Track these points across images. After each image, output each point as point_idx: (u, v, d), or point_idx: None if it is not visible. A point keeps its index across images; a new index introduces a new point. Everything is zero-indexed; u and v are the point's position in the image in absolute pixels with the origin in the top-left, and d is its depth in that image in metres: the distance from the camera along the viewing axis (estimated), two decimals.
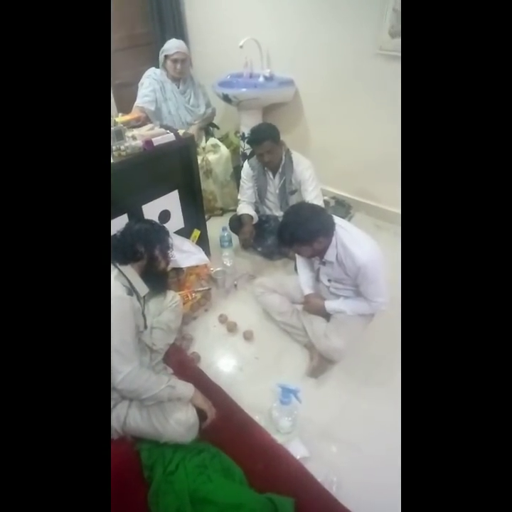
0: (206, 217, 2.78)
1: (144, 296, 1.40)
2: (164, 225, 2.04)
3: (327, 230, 1.53)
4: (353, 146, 2.60)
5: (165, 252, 1.42)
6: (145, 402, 1.28)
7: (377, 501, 1.21)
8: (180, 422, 1.27)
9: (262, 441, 1.38)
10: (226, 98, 2.61)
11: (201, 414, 1.35)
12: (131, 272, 1.33)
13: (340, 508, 1.17)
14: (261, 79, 2.67)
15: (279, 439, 1.42)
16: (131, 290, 1.30)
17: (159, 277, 1.46)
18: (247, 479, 1.24)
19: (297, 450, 1.37)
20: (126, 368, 1.19)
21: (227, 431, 1.40)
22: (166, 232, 1.45)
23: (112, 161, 1.65)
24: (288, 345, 1.85)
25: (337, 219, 1.59)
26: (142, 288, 1.36)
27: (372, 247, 1.52)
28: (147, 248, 1.35)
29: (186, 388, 1.35)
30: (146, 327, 1.43)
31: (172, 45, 2.41)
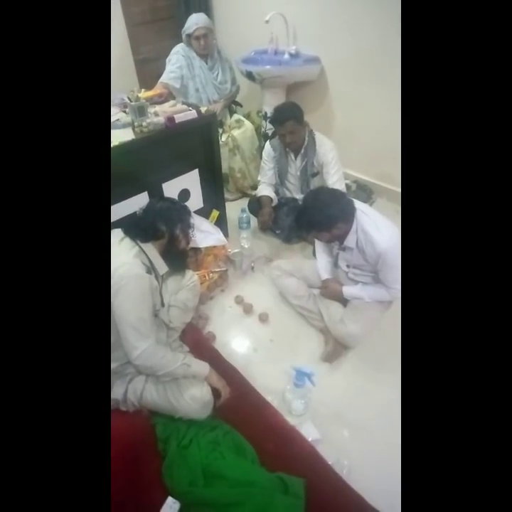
0: (235, 197, 2.77)
1: (163, 275, 1.41)
2: (184, 204, 2.05)
3: (347, 216, 1.50)
4: (378, 128, 2.52)
5: (186, 231, 1.42)
6: (161, 378, 1.30)
7: (387, 487, 1.22)
8: (195, 399, 1.30)
9: (274, 421, 1.39)
10: (250, 75, 2.55)
11: (215, 392, 1.37)
12: (151, 249, 1.33)
13: (350, 491, 1.18)
14: (286, 56, 2.59)
15: (292, 420, 1.43)
16: (150, 269, 1.31)
17: (179, 256, 1.47)
18: (258, 458, 1.26)
19: (309, 432, 1.38)
20: (142, 344, 1.20)
21: (241, 410, 1.42)
22: (188, 212, 1.44)
23: (133, 137, 1.64)
24: (303, 329, 1.85)
25: (359, 204, 1.56)
26: (162, 266, 1.37)
27: (393, 234, 1.48)
28: (168, 227, 1.35)
29: (201, 367, 1.36)
30: (163, 305, 1.44)
31: (191, 23, 2.34)
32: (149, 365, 1.24)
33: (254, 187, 2.82)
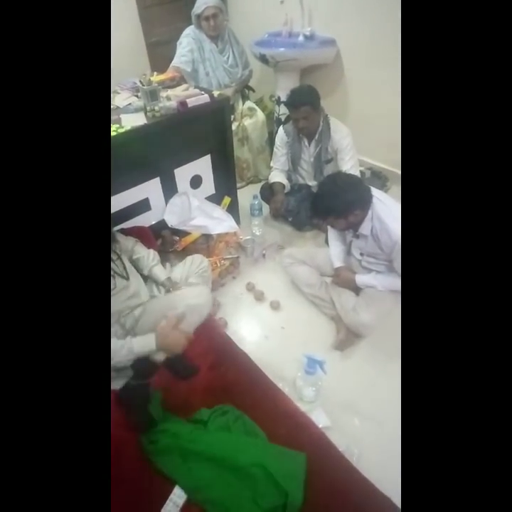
0: (240, 185, 2.74)
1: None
2: (196, 190, 2.04)
3: (364, 203, 1.47)
4: (394, 114, 2.44)
5: None
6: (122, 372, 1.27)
7: (397, 476, 1.22)
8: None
9: (285, 407, 1.39)
10: (263, 58, 2.50)
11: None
12: None
13: (360, 478, 1.18)
14: (301, 38, 2.52)
15: (302, 407, 1.43)
16: None
17: None
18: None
19: (319, 419, 1.39)
20: None
21: (251, 395, 1.42)
22: None
23: (145, 121, 1.63)
24: (315, 317, 1.84)
25: (375, 191, 1.53)
26: None
27: None
28: None
29: (146, 340, 1.25)
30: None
31: (201, 2, 2.28)
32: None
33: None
